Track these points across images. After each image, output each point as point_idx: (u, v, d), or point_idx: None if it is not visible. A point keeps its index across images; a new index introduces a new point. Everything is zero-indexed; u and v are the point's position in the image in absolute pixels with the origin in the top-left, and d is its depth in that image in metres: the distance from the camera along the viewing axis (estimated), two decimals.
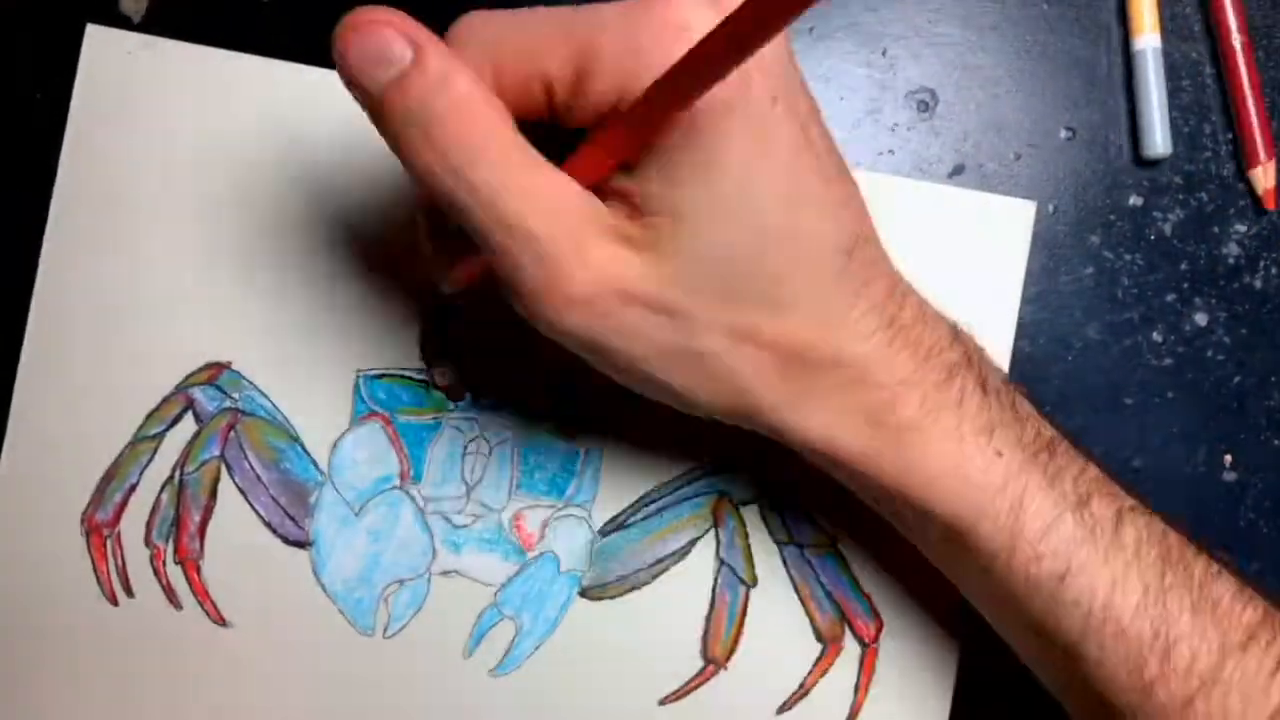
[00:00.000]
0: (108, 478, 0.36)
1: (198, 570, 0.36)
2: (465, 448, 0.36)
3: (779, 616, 0.35)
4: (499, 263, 0.25)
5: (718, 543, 0.36)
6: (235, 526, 0.36)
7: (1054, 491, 0.28)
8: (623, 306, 0.25)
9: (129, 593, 0.36)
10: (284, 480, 0.36)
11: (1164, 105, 0.36)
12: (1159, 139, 0.36)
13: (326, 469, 0.36)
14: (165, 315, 0.36)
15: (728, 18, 0.19)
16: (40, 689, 0.36)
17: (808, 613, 0.35)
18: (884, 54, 0.37)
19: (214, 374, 0.36)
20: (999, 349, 0.36)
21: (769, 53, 0.23)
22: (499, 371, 0.36)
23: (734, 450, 0.35)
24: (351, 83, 0.24)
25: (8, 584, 0.36)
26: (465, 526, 0.36)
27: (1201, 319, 0.36)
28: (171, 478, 0.36)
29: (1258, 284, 0.36)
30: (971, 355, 0.29)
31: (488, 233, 0.24)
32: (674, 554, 0.35)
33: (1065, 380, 0.36)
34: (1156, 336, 0.36)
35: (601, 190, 0.25)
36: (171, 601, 0.36)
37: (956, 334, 0.29)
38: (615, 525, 0.36)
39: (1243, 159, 0.36)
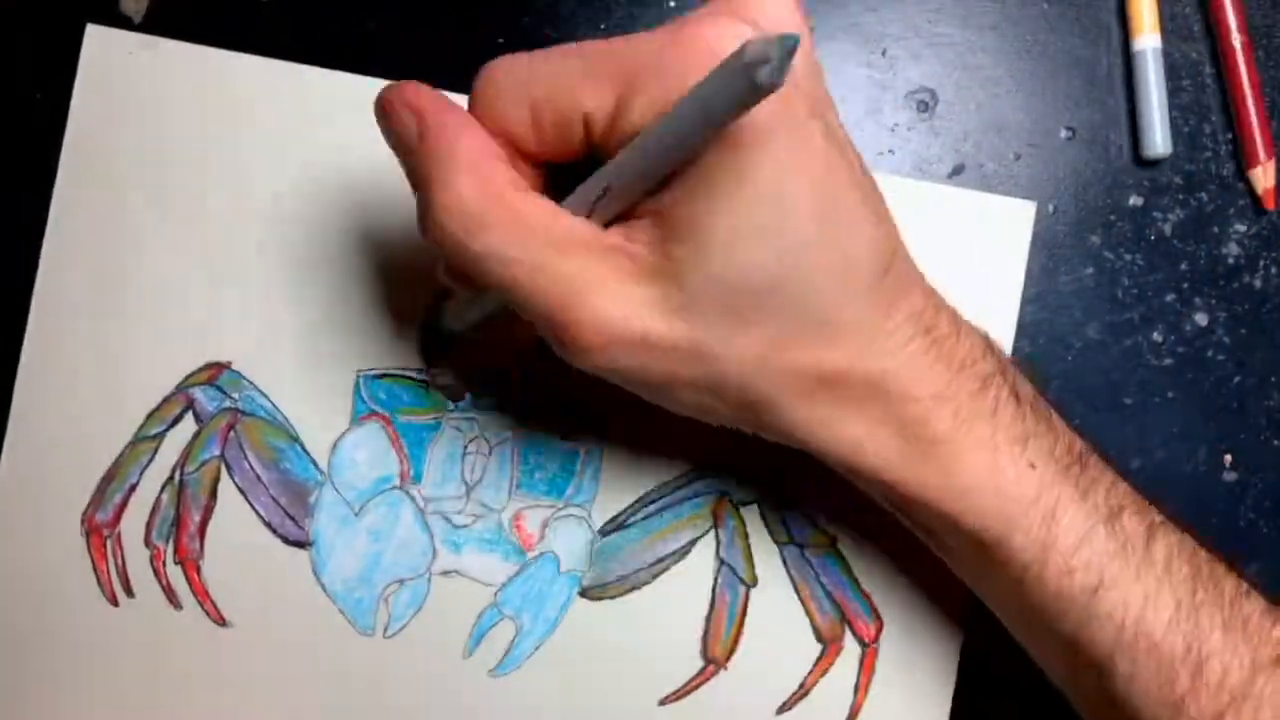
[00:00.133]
0: (108, 478, 0.36)
1: (198, 570, 0.36)
2: (465, 448, 0.36)
3: (779, 616, 0.35)
4: (518, 311, 0.26)
5: (718, 543, 0.36)
6: (235, 526, 0.36)
7: (1086, 504, 0.28)
8: (642, 350, 0.25)
9: (129, 593, 0.36)
10: (284, 480, 0.36)
11: (1164, 105, 0.36)
12: (1159, 139, 0.36)
13: (326, 469, 0.36)
14: (165, 315, 0.36)
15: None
16: (40, 689, 0.36)
17: (808, 613, 0.35)
18: (884, 54, 0.37)
19: (214, 374, 0.36)
20: None
21: (803, 69, 0.23)
22: (499, 371, 0.36)
23: (734, 450, 0.35)
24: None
25: (8, 584, 0.36)
26: (465, 526, 0.36)
27: (1201, 319, 0.36)
28: (172, 478, 0.36)
29: (1258, 284, 0.36)
30: (1005, 366, 0.28)
31: (497, 291, 0.25)
32: (674, 554, 0.36)
33: (1065, 380, 0.36)
34: (1156, 336, 0.36)
35: (630, 210, 0.25)
36: (171, 602, 0.36)
37: (989, 345, 0.28)
38: (615, 525, 0.36)
39: (1242, 159, 0.36)
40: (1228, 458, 0.36)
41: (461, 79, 0.36)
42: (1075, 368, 0.36)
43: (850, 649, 0.35)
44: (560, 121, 0.24)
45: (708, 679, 0.35)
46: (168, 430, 0.36)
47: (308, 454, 0.36)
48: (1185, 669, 0.27)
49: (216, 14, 0.36)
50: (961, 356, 0.27)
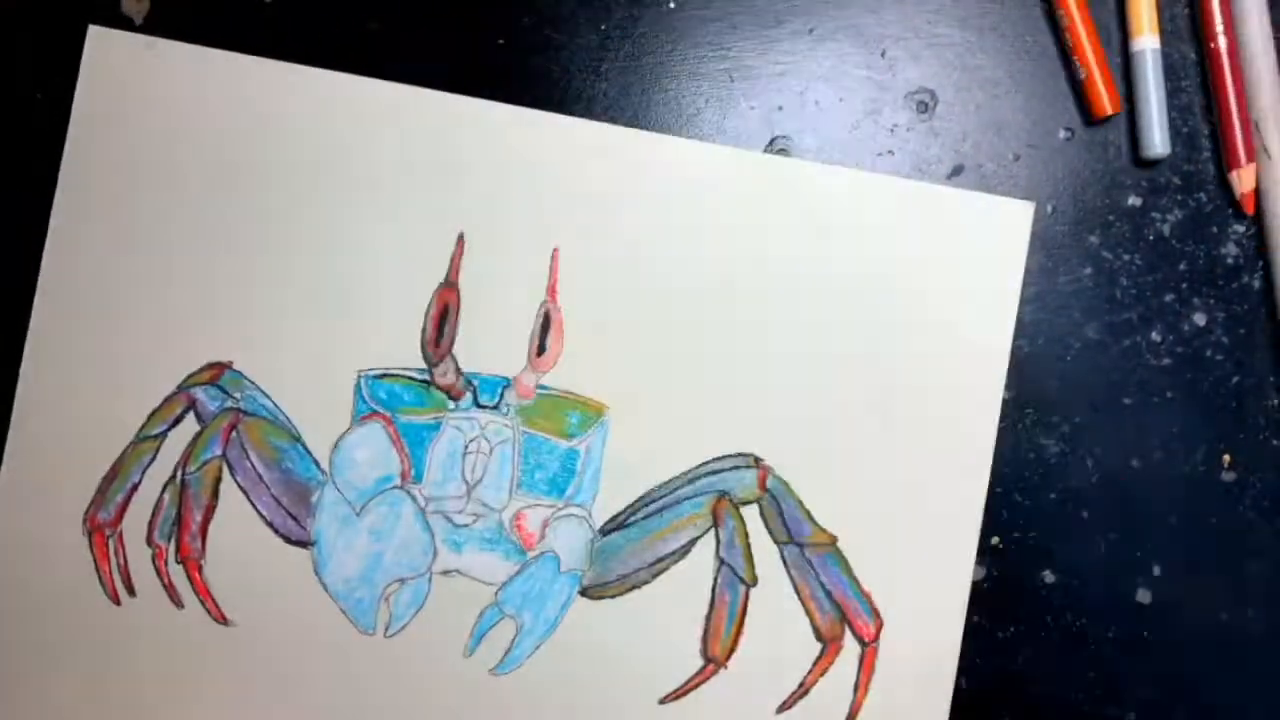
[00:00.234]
0: (110, 477, 0.36)
1: (199, 569, 0.36)
2: (466, 447, 0.36)
3: (779, 616, 0.35)
4: None
5: (718, 543, 0.36)
6: (237, 526, 0.36)
7: None
8: None
9: (131, 592, 0.36)
10: (285, 480, 0.36)
11: (1162, 106, 0.36)
12: (1157, 139, 0.36)
13: (328, 468, 0.36)
14: (166, 315, 0.36)
15: None
16: (42, 687, 0.36)
17: (808, 612, 0.35)
18: (883, 55, 0.37)
19: (216, 374, 0.36)
20: (999, 349, 0.36)
21: None
22: (499, 371, 0.36)
23: (734, 450, 0.35)
24: None
25: (10, 583, 0.36)
26: (466, 526, 0.36)
27: (1200, 319, 0.36)
28: (173, 477, 0.36)
29: (1256, 284, 0.37)
30: None
31: None
32: (674, 554, 0.36)
33: (1064, 380, 0.36)
34: (1155, 336, 0.36)
35: None
36: (173, 600, 0.36)
37: None
38: (615, 525, 0.36)
39: (1224, 162, 0.36)
40: (1226, 458, 0.36)
41: (462, 79, 0.36)
42: (1074, 368, 0.36)
43: (850, 648, 0.35)
44: None
45: (707, 678, 0.35)
46: (169, 430, 0.36)
47: (309, 453, 0.36)
48: None
49: (217, 15, 0.36)
50: None
